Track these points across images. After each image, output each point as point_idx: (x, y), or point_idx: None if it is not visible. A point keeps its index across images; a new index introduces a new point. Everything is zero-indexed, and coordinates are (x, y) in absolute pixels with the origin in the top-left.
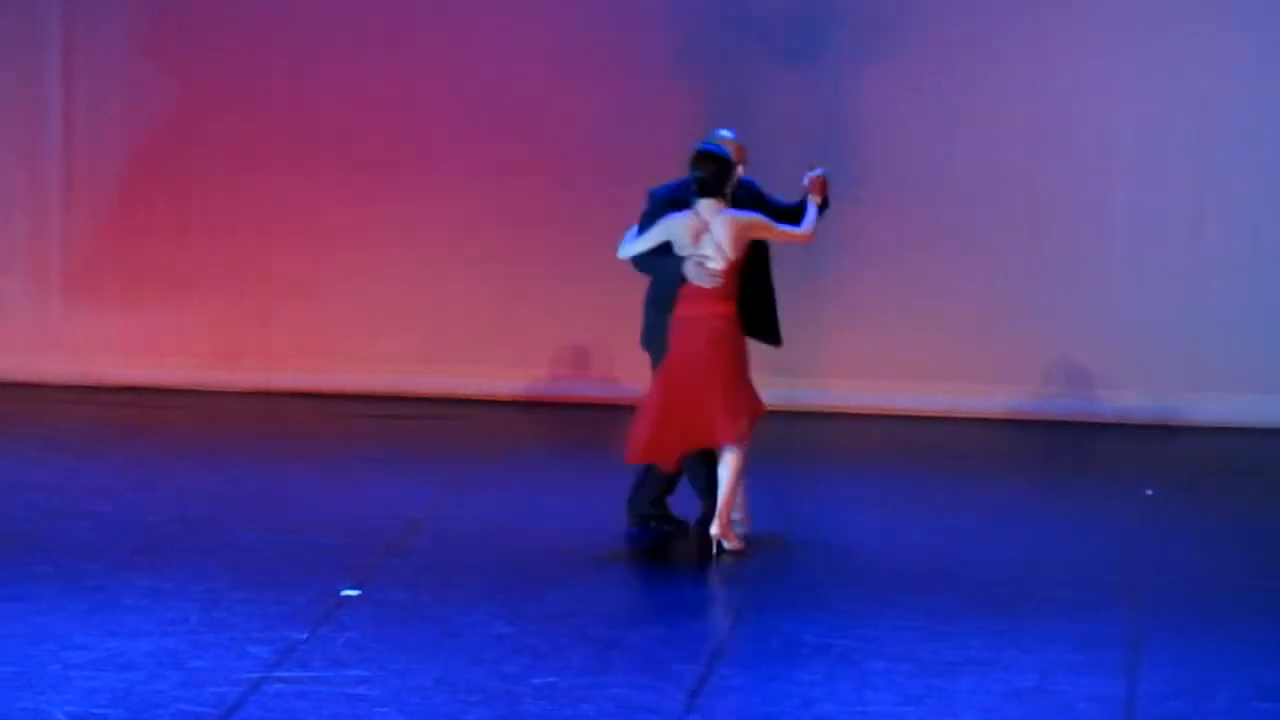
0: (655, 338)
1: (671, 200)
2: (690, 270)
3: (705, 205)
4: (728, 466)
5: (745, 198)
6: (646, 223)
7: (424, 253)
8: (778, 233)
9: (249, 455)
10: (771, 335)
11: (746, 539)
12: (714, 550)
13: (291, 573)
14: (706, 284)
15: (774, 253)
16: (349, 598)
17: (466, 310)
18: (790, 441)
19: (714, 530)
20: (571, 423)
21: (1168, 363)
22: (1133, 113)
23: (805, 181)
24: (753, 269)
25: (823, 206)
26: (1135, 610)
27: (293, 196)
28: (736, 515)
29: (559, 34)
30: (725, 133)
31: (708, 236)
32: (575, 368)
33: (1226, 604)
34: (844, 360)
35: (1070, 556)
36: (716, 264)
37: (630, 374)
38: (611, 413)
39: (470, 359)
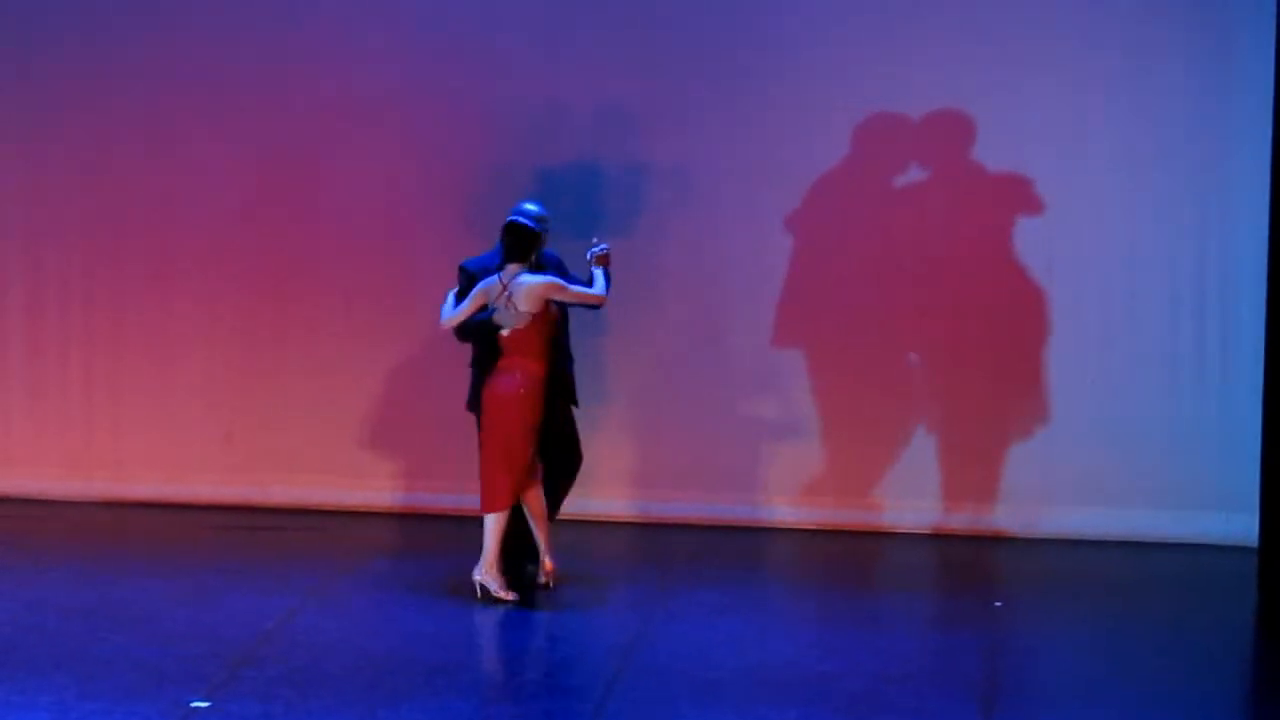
0: (479, 398)
1: (483, 269)
2: (501, 321)
3: (508, 270)
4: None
5: (547, 265)
6: (462, 292)
7: (275, 362)
8: (571, 293)
9: (100, 566)
10: (570, 397)
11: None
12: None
13: (143, 684)
14: (505, 331)
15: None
16: (199, 709)
17: (318, 420)
18: (645, 552)
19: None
20: (424, 533)
21: (1018, 476)
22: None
23: (589, 256)
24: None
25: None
26: None
27: (144, 307)
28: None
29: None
30: (531, 206)
31: (506, 296)
32: (427, 478)
33: (1076, 714)
34: (695, 472)
35: (923, 667)
36: (510, 320)
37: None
38: (463, 523)
39: (322, 469)
